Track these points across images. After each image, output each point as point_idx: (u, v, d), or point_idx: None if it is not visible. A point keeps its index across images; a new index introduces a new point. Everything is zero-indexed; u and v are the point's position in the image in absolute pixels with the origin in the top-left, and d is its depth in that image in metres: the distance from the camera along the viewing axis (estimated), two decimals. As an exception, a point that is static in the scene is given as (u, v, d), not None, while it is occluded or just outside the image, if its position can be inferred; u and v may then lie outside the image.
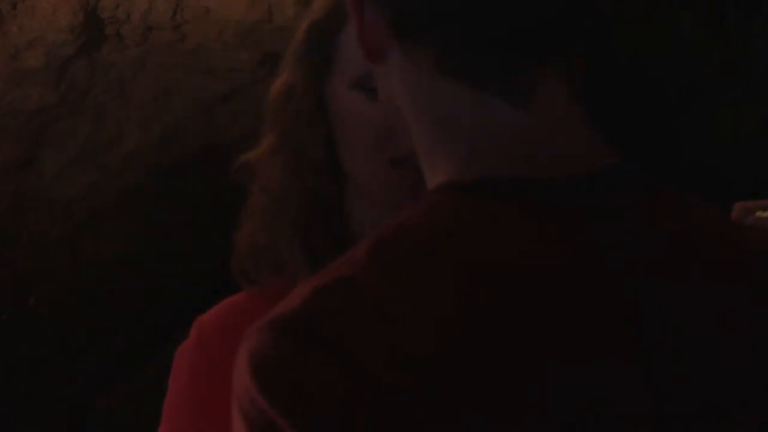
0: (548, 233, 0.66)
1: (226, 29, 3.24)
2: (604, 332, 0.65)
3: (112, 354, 4.63)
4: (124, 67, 3.47)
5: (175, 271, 4.51)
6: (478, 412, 0.60)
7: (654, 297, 0.67)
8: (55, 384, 4.38)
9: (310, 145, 1.11)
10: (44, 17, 2.97)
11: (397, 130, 0.81)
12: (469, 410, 0.60)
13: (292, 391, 0.60)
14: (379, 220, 0.98)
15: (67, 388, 4.49)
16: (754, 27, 3.47)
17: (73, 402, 4.58)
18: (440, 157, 0.72)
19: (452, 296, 0.62)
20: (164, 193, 4.35)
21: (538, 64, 0.71)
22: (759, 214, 1.27)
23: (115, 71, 3.48)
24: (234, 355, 1.02)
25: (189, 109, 3.92)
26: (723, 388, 0.68)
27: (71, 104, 3.55)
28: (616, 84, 3.65)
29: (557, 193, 0.68)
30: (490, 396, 0.60)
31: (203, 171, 4.12)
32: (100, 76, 3.47)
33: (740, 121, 3.87)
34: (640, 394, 0.65)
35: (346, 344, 0.60)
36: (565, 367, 0.62)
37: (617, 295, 0.66)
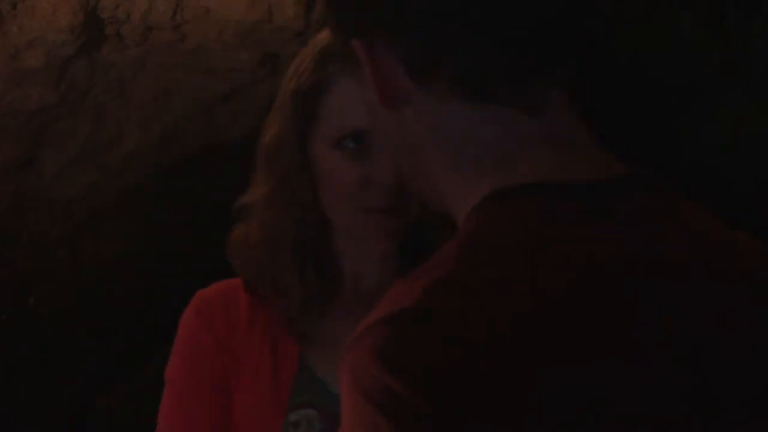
0: (610, 230, 0.72)
1: (226, 29, 3.24)
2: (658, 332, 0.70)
3: (112, 354, 4.63)
4: (124, 67, 3.46)
5: (175, 271, 4.51)
6: (578, 368, 0.65)
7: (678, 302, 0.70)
8: (55, 384, 4.38)
9: (301, 190, 1.32)
10: (44, 17, 2.97)
11: (382, 179, 1.12)
12: (570, 366, 0.65)
13: (426, 372, 0.64)
14: (358, 254, 1.35)
15: (67, 388, 4.49)
16: (754, 27, 3.47)
17: (73, 402, 4.58)
18: (466, 172, 0.77)
19: (546, 282, 0.68)
20: (164, 193, 4.35)
21: (545, 68, 0.74)
22: None
23: (115, 71, 3.48)
24: (233, 330, 1.22)
25: (189, 109, 3.92)
26: (723, 389, 0.69)
27: (71, 104, 3.55)
28: (616, 84, 3.65)
29: (603, 194, 0.73)
30: (599, 379, 0.66)
31: (203, 171, 4.12)
32: (100, 76, 3.47)
33: (740, 121, 3.87)
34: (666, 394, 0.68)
35: (469, 330, 0.66)
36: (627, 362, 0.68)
37: (659, 297, 0.71)
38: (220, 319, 1.36)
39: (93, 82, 3.49)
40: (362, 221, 1.29)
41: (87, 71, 3.39)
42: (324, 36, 1.31)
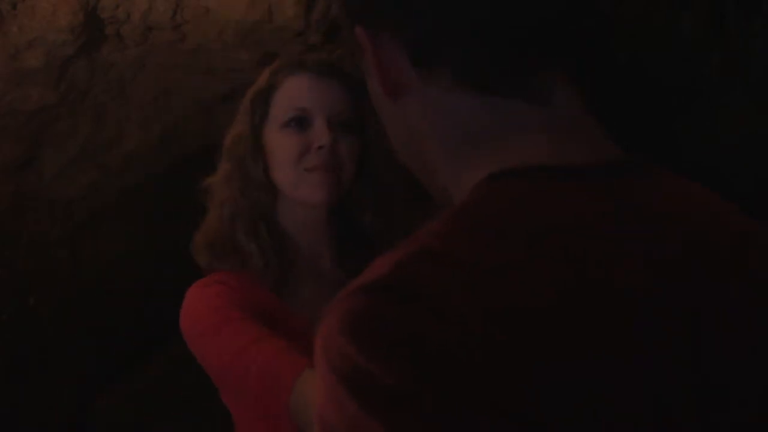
0: (599, 205, 0.71)
1: (226, 29, 3.24)
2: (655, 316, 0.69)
3: (112, 354, 4.63)
4: (124, 67, 3.46)
5: (175, 271, 4.51)
6: (575, 364, 0.63)
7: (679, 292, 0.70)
8: (55, 384, 4.38)
9: (254, 171, 1.66)
10: (44, 17, 2.97)
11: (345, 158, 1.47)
12: (566, 362, 0.63)
13: (391, 344, 0.62)
14: (297, 217, 1.67)
15: (67, 388, 4.49)
16: (754, 27, 3.47)
17: (73, 402, 4.58)
18: (467, 157, 0.76)
19: (534, 256, 0.66)
20: (164, 193, 4.35)
21: (547, 65, 0.74)
22: None
23: (115, 71, 3.48)
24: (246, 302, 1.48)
25: (189, 109, 3.92)
26: (723, 388, 0.68)
27: (71, 104, 3.54)
28: (616, 84, 3.65)
29: (591, 175, 0.73)
30: (583, 348, 0.64)
31: (203, 171, 4.12)
32: (100, 76, 3.47)
33: (740, 121, 3.87)
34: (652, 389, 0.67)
35: (438, 300, 0.63)
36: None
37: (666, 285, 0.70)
38: (237, 292, 1.59)
39: (93, 82, 3.49)
40: (306, 179, 1.62)
41: (87, 71, 3.39)
42: (277, 61, 1.74)
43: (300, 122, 1.64)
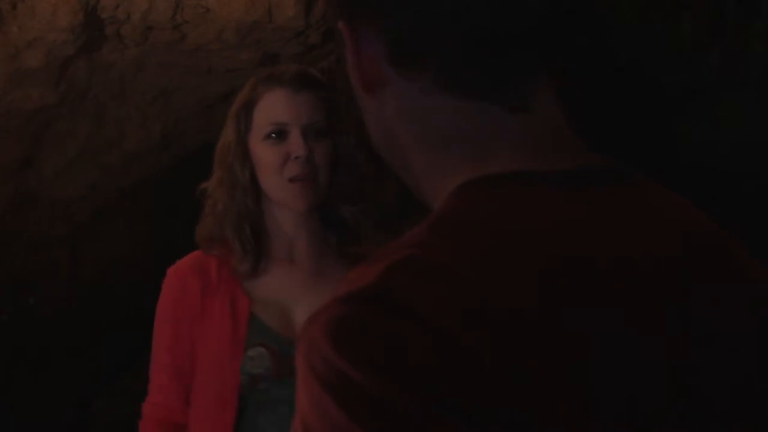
0: (577, 209, 0.72)
1: (226, 29, 3.24)
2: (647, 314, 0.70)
3: (113, 354, 4.63)
4: (124, 67, 3.47)
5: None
6: (553, 369, 0.64)
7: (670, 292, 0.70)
8: (56, 384, 4.38)
9: (242, 176, 1.92)
10: (44, 17, 2.97)
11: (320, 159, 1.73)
12: (544, 367, 0.63)
13: (375, 353, 0.63)
14: (279, 217, 1.94)
15: (68, 388, 4.49)
16: (754, 27, 3.47)
17: (74, 402, 4.58)
18: (444, 163, 0.76)
19: (515, 261, 0.67)
20: (164, 193, 4.35)
21: (529, 71, 0.74)
22: None
23: (115, 71, 3.48)
24: (202, 290, 1.88)
25: (189, 109, 3.93)
26: (715, 387, 0.69)
27: (71, 104, 3.55)
28: (616, 84, 3.65)
29: (569, 181, 0.73)
30: (564, 350, 0.65)
31: (203, 171, 4.12)
32: (100, 76, 3.47)
33: (740, 121, 3.87)
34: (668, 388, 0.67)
35: (423, 309, 0.64)
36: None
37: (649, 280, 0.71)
38: (189, 280, 1.92)
39: (93, 82, 3.49)
40: (288, 188, 1.89)
41: (87, 71, 3.40)
42: (259, 73, 1.99)
43: (279, 134, 1.89)
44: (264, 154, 1.90)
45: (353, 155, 1.95)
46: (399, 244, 0.70)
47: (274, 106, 1.90)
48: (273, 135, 1.89)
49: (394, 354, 0.63)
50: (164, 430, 1.98)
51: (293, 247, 1.97)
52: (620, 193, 0.74)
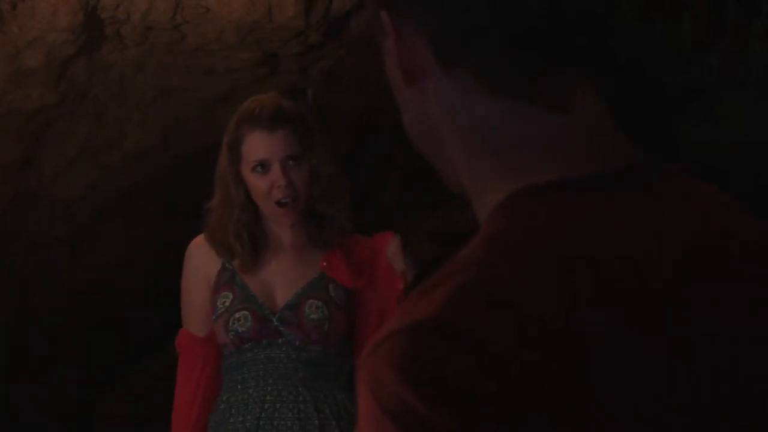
0: (638, 223, 0.71)
1: (226, 29, 3.24)
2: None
3: (113, 354, 4.63)
4: (124, 67, 3.47)
5: (175, 271, 4.50)
6: (632, 406, 0.64)
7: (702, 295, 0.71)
8: (56, 384, 4.38)
9: (237, 197, 2.35)
10: (44, 17, 2.97)
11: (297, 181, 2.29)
12: (622, 403, 0.63)
13: (447, 389, 0.62)
14: (271, 224, 2.41)
15: (68, 388, 4.49)
16: (754, 27, 3.47)
17: (74, 401, 4.58)
18: (488, 167, 0.76)
19: (584, 286, 0.66)
20: (164, 193, 4.35)
21: (569, 70, 0.73)
22: None
23: (115, 71, 3.48)
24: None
25: (189, 109, 3.93)
26: (735, 388, 0.69)
27: (71, 104, 3.55)
28: (615, 84, 3.64)
29: (623, 185, 0.73)
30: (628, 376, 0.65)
31: (203, 171, 4.12)
32: (100, 76, 3.47)
33: (740, 121, 3.88)
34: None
35: (491, 342, 0.63)
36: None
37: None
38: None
39: (93, 82, 3.49)
40: (275, 210, 2.34)
41: (87, 71, 3.40)
42: (243, 105, 2.39)
43: (263, 166, 2.30)
44: (252, 182, 2.33)
45: (328, 167, 2.36)
46: (459, 264, 0.69)
47: (256, 146, 2.31)
48: (258, 167, 2.31)
49: (467, 391, 0.62)
50: (193, 356, 2.41)
51: (281, 240, 2.42)
52: (651, 195, 0.74)
